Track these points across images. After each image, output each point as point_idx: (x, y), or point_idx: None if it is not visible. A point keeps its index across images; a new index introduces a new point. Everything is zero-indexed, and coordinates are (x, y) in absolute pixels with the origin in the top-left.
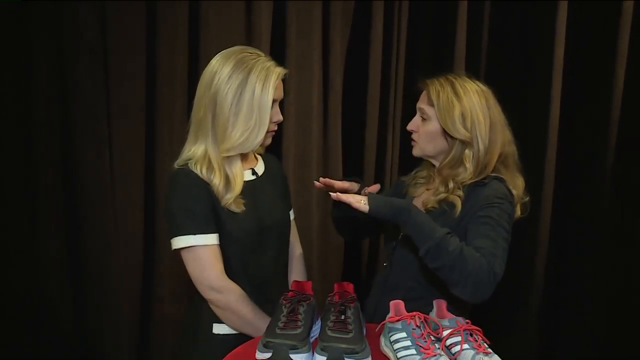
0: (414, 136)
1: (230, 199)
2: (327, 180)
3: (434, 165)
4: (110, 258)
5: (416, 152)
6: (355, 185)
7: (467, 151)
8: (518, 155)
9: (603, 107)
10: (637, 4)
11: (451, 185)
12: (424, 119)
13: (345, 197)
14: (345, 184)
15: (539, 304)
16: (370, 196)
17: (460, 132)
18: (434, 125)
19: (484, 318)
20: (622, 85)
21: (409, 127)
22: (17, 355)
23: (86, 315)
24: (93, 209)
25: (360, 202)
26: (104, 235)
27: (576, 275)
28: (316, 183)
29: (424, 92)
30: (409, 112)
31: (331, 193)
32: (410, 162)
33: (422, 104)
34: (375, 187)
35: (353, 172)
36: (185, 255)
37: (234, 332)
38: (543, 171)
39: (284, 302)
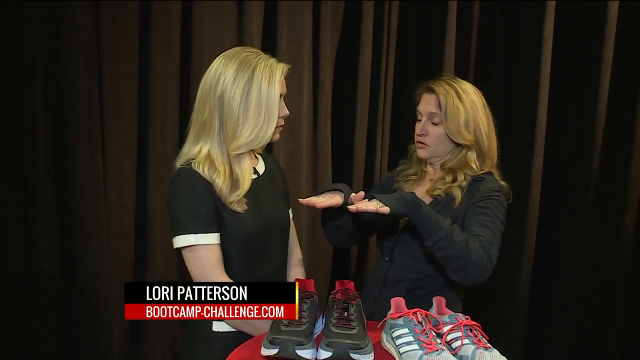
0: (424, 140)
1: (238, 197)
2: (309, 200)
3: (426, 163)
4: (103, 259)
5: (426, 154)
6: (338, 199)
7: (469, 154)
8: (506, 156)
9: (589, 110)
10: (622, 12)
11: (460, 177)
12: (434, 124)
13: (364, 207)
14: (326, 201)
15: (527, 303)
16: (381, 198)
17: (465, 137)
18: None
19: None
20: (607, 89)
21: (420, 131)
22: (8, 354)
23: (78, 315)
24: (86, 209)
25: (378, 206)
26: (96, 236)
27: (563, 275)
28: (300, 200)
29: (430, 96)
30: (399, 113)
31: (349, 207)
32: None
33: (432, 108)
34: (360, 195)
35: (342, 173)
36: (186, 255)
37: (234, 330)
38: (530, 174)
39: None
